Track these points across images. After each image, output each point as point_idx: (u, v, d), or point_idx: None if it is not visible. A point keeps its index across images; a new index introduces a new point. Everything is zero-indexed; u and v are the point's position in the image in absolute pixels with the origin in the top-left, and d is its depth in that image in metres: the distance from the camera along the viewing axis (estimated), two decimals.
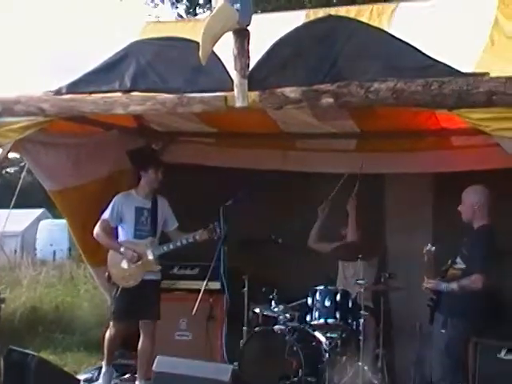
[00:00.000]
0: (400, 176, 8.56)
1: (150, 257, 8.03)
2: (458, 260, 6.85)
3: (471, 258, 6.76)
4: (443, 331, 6.87)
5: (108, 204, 8.00)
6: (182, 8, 20.87)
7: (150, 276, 8.06)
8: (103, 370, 8.10)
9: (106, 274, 8.06)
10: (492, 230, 6.96)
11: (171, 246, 8.14)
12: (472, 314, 6.75)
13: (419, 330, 7.57)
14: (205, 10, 19.47)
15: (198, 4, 20.43)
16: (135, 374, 8.16)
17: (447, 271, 7.00)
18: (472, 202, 7.00)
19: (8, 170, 38.61)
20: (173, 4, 21.02)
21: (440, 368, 6.94)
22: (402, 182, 8.62)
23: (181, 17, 20.34)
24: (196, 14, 20.07)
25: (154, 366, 6.80)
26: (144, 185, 8.09)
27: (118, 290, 7.92)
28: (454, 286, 6.77)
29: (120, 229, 8.03)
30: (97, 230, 7.91)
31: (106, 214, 7.92)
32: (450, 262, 6.99)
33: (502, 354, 7.00)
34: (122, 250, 7.92)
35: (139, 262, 7.95)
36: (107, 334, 8.08)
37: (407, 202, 8.72)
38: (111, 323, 8.07)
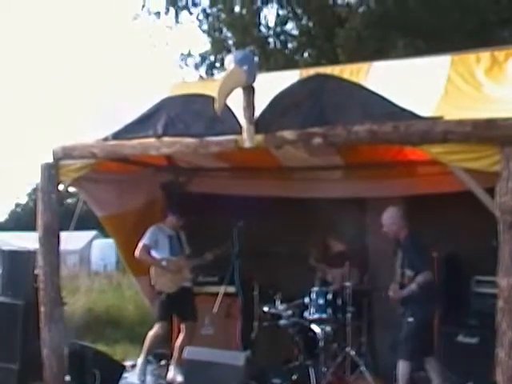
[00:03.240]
0: (378, 199, 8.52)
1: (186, 268, 8.18)
2: (406, 271, 6.90)
3: (413, 264, 6.86)
4: (411, 319, 6.90)
5: (145, 231, 8.06)
6: (202, 70, 20.95)
7: (186, 283, 8.18)
8: (141, 361, 7.97)
9: (153, 284, 8.08)
10: (413, 234, 7.09)
11: (199, 261, 8.27)
12: (427, 305, 6.88)
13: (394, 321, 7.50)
14: (220, 71, 19.54)
15: (215, 66, 20.52)
16: (169, 360, 8.14)
17: (402, 283, 7.04)
18: (390, 223, 7.13)
19: (69, 200, 38.59)
20: (195, 67, 21.12)
21: (408, 347, 6.92)
22: (380, 203, 8.56)
23: (201, 77, 20.43)
24: (213, 75, 20.15)
25: (185, 354, 6.78)
26: (170, 221, 8.23)
27: (163, 295, 7.92)
28: (412, 286, 6.84)
29: (153, 251, 8.05)
30: (140, 253, 7.95)
31: (147, 240, 7.97)
32: (400, 275, 7.03)
33: (460, 338, 7.02)
34: (163, 263, 7.96)
35: (179, 272, 8.07)
36: (153, 333, 7.97)
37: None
38: (157, 324, 7.97)
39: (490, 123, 5.16)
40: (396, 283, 7.08)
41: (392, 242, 7.38)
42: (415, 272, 6.85)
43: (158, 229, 8.12)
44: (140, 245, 7.97)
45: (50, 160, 6.93)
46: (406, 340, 6.92)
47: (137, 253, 7.94)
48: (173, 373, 7.88)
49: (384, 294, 7.26)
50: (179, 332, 8.19)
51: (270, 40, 19.75)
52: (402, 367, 6.91)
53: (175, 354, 8.02)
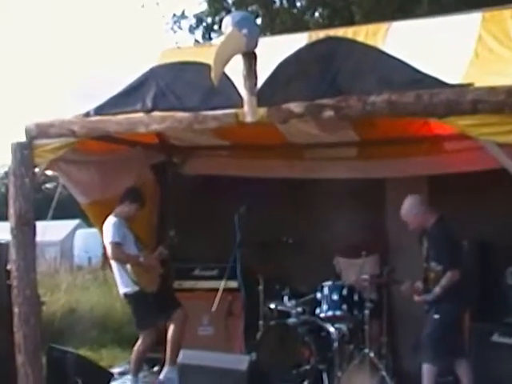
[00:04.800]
0: (398, 179, 8.51)
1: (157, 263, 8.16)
2: (433, 263, 6.86)
3: (440, 257, 6.80)
4: (436, 316, 6.87)
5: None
6: (199, 33, 20.89)
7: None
8: (132, 379, 7.98)
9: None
10: (441, 222, 7.04)
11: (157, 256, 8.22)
12: (456, 300, 6.81)
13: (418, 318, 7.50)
14: (219, 34, 19.47)
15: (213, 29, 20.45)
16: (163, 366, 8.14)
17: (427, 278, 7.00)
18: (412, 215, 7.11)
19: (47, 185, 38.63)
20: (190, 30, 21.05)
21: (432, 348, 6.89)
22: (400, 184, 8.56)
23: (197, 42, 20.39)
24: (211, 39, 20.08)
25: (179, 358, 6.77)
26: (127, 211, 8.06)
27: (149, 296, 7.83)
28: (437, 290, 6.82)
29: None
30: (115, 253, 7.78)
31: (116, 238, 7.77)
32: (424, 268, 7.01)
33: (495, 337, 6.99)
34: (141, 259, 7.90)
35: (154, 268, 8.03)
36: (140, 345, 7.93)
37: None
38: (143, 333, 7.92)
39: None
40: (420, 281, 7.08)
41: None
42: (443, 267, 6.81)
43: (119, 221, 7.91)
44: (109, 244, 7.80)
45: (23, 139, 6.90)
46: (430, 340, 6.90)
47: (110, 253, 7.81)
48: (164, 373, 7.81)
49: (405, 289, 7.28)
50: None
51: None
52: (426, 372, 6.88)
53: (168, 349, 7.91)
